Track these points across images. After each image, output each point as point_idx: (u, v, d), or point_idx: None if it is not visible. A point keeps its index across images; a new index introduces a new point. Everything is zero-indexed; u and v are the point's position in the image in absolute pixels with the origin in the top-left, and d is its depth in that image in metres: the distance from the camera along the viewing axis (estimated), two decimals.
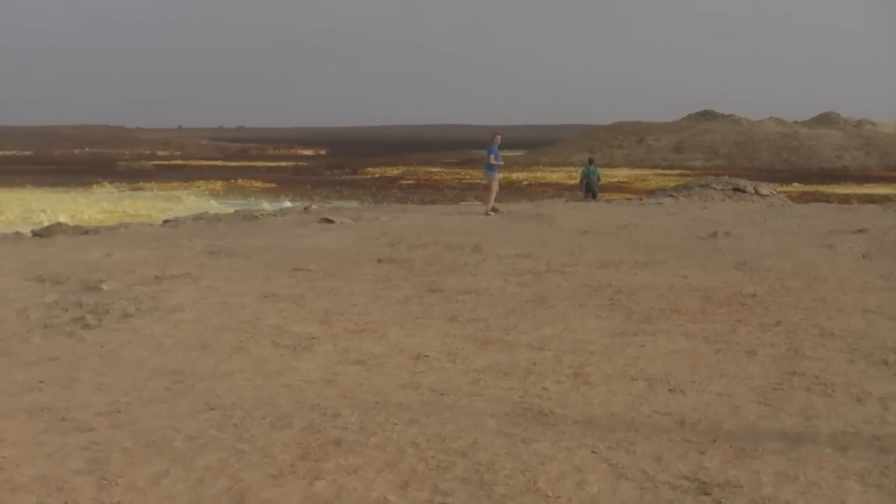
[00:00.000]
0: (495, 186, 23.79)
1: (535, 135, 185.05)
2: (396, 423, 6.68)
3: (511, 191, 50.02)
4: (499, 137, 23.72)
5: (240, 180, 69.77)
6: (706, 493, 5.44)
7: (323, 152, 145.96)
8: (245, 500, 5.39)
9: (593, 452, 6.11)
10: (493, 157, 23.37)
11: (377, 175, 78.77)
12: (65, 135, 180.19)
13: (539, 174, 76.44)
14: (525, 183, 64.66)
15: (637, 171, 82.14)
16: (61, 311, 10.49)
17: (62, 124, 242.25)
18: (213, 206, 41.52)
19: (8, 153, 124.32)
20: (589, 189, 31.02)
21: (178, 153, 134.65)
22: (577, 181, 34.44)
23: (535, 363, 8.35)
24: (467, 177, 71.54)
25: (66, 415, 6.90)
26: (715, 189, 29.58)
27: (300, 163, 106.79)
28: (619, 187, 57.92)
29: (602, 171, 33.72)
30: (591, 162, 32.61)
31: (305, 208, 27.93)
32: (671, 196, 29.87)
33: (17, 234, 19.65)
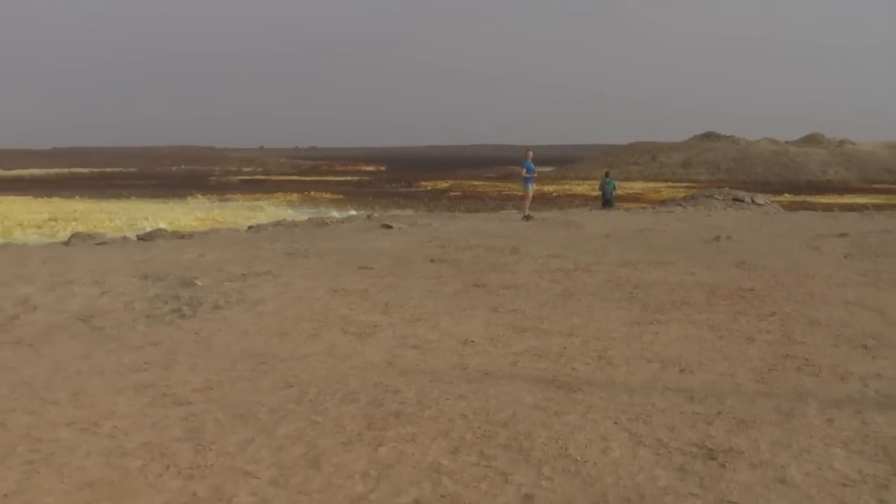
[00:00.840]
0: (530, 195, 23.77)
1: (565, 153, 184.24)
2: (448, 398, 6.69)
3: (543, 201, 49.76)
4: (531, 153, 23.66)
5: (312, 192, 70.04)
6: (713, 458, 5.42)
7: (383, 168, 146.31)
8: (319, 463, 5.42)
9: (616, 423, 6.10)
10: (525, 170, 23.38)
11: (429, 188, 78.63)
12: (164, 154, 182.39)
13: (567, 187, 75.96)
14: (555, 194, 64.36)
15: (651, 184, 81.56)
16: (162, 303, 10.60)
17: (161, 145, 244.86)
18: (290, 214, 41.70)
19: (116, 170, 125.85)
20: (604, 198, 30.88)
21: (260, 169, 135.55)
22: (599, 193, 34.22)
23: (565, 347, 8.33)
24: (506, 189, 71.33)
25: (166, 391, 6.98)
26: (717, 199, 29.33)
27: (363, 177, 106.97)
28: (636, 198, 57.48)
29: (620, 185, 33.49)
30: (606, 175, 32.48)
31: (368, 216, 28.01)
32: (680, 205, 29.67)
33: (125, 238, 19.95)
